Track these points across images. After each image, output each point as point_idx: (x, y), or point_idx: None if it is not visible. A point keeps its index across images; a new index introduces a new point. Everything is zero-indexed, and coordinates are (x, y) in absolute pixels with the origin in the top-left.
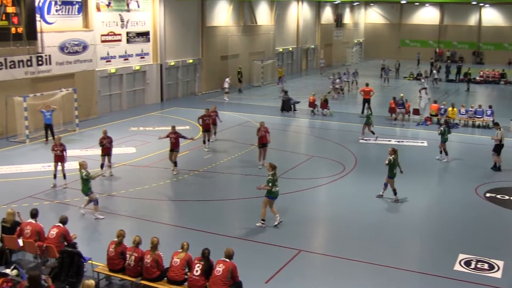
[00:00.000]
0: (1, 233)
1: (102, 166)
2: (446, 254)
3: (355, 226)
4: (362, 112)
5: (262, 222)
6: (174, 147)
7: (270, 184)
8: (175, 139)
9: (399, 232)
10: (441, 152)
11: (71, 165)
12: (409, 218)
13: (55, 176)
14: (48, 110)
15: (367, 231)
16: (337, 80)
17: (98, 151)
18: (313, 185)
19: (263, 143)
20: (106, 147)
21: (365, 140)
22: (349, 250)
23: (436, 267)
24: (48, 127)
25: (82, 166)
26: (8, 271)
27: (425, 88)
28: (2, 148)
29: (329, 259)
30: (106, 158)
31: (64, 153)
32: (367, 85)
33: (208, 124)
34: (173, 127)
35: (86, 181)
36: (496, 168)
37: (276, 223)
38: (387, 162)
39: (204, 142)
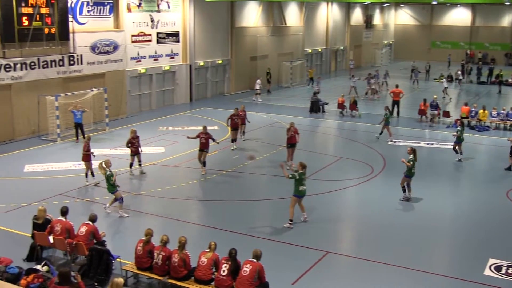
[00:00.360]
0: (32, 229)
1: (131, 165)
2: (476, 258)
3: (383, 229)
4: (392, 114)
5: (290, 222)
6: (204, 147)
7: (290, 176)
8: (205, 139)
9: (428, 235)
10: (457, 152)
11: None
12: (438, 222)
13: (86, 175)
14: (78, 110)
15: (395, 234)
16: (372, 81)
17: (127, 150)
18: (341, 186)
19: (291, 144)
20: (136, 146)
21: (394, 141)
22: (377, 253)
23: (466, 272)
24: (78, 126)
25: (106, 164)
26: (39, 267)
27: (446, 88)
28: (34, 146)
29: (357, 262)
30: (136, 157)
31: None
32: (397, 86)
33: (237, 124)
34: (205, 128)
35: (108, 179)
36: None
37: (302, 218)
38: (410, 163)
39: (232, 141)
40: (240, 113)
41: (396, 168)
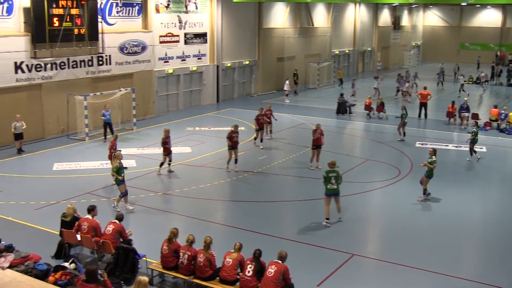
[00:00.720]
0: (60, 227)
1: (161, 164)
2: (510, 264)
3: (410, 232)
4: (419, 116)
5: (327, 220)
6: (235, 145)
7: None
8: (237, 137)
9: (457, 239)
10: (475, 152)
11: (127, 163)
12: (467, 225)
13: None
14: (107, 110)
15: (423, 237)
16: (406, 84)
17: (154, 149)
18: (368, 188)
19: (317, 145)
20: (169, 146)
21: (422, 144)
22: (404, 256)
23: (499, 278)
24: (107, 125)
25: (118, 157)
26: (66, 264)
27: (462, 84)
28: (63, 145)
29: (383, 265)
30: (167, 157)
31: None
32: (425, 88)
33: (262, 123)
34: (236, 126)
35: (117, 172)
36: None
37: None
38: (433, 165)
39: (260, 140)
40: (267, 112)
41: (423, 170)
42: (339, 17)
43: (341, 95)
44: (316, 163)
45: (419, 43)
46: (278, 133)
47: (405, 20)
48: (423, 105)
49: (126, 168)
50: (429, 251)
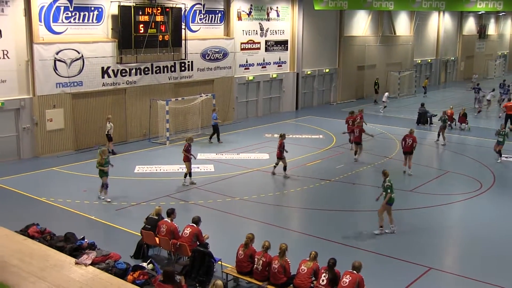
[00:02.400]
0: (144, 225)
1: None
2: None
3: (492, 247)
4: (507, 132)
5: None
6: (358, 141)
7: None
8: (359, 132)
9: None
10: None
11: (204, 168)
12: None
13: (185, 175)
14: (216, 112)
15: (506, 254)
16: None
17: (232, 155)
18: (448, 201)
19: (406, 151)
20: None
21: (506, 158)
22: (483, 273)
23: None
24: (215, 128)
25: (104, 153)
26: (144, 264)
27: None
28: (144, 148)
29: (461, 280)
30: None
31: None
32: (509, 100)
33: (352, 128)
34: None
35: (103, 166)
36: None
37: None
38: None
39: (350, 141)
40: (358, 116)
41: (507, 185)
42: (422, 25)
43: (422, 105)
44: (408, 170)
45: (505, 53)
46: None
47: (492, 29)
48: (509, 117)
49: (112, 165)
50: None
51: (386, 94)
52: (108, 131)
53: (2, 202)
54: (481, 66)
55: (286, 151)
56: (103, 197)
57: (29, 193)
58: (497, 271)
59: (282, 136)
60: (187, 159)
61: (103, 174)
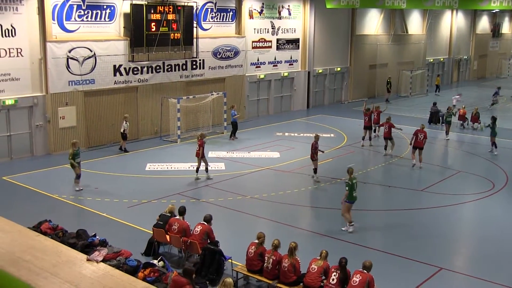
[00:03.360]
0: (156, 222)
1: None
2: None
3: (504, 248)
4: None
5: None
6: (388, 136)
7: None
8: (388, 128)
9: None
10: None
11: (215, 166)
12: None
13: (197, 170)
14: (234, 109)
15: None
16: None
17: (243, 153)
18: (459, 201)
19: (417, 146)
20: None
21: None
22: (495, 273)
23: None
24: (233, 125)
25: (75, 145)
26: (155, 261)
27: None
28: (155, 146)
29: (472, 281)
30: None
31: (201, 150)
32: None
33: (368, 122)
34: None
35: (73, 158)
36: None
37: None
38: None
39: (363, 139)
40: (374, 112)
41: None
42: (435, 24)
43: (434, 104)
44: (419, 163)
45: None
46: (366, 141)
47: (506, 27)
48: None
49: (79, 158)
50: None
51: (457, 96)
52: (124, 130)
53: (15, 198)
54: (494, 65)
55: (322, 151)
56: (77, 188)
57: (41, 190)
58: (509, 272)
59: (316, 137)
60: (202, 155)
61: (74, 165)
